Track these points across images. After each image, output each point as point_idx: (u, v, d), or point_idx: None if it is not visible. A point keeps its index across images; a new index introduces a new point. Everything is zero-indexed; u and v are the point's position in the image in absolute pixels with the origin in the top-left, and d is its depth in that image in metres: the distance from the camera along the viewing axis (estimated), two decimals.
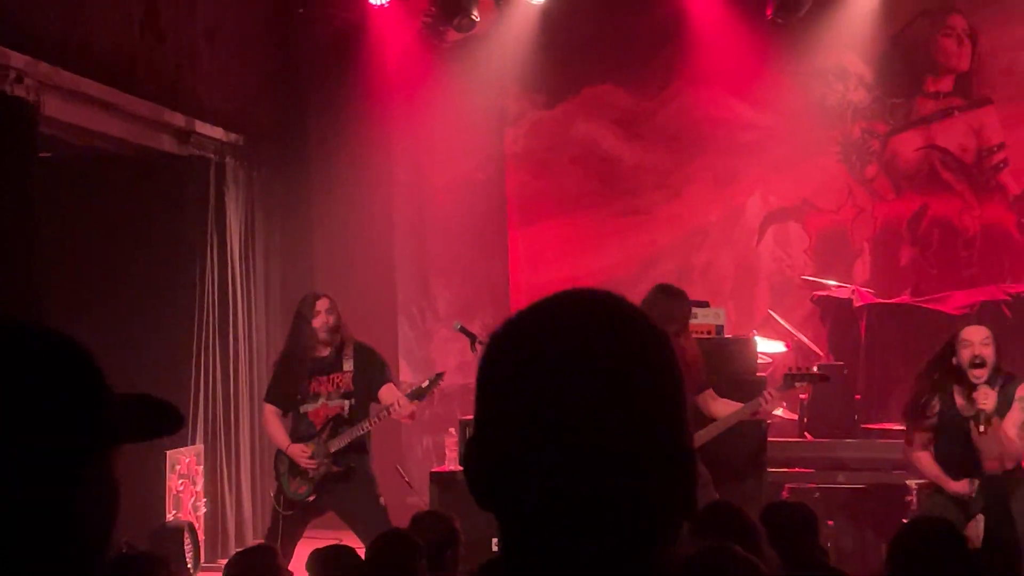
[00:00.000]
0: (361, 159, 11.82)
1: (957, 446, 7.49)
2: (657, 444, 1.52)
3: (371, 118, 11.86)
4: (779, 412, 10.41)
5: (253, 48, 11.38)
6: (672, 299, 7.87)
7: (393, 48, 11.91)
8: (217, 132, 10.62)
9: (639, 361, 1.54)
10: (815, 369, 9.43)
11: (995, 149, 12.21)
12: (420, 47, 11.95)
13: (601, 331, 1.54)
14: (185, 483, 9.68)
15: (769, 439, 9.34)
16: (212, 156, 10.57)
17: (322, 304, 8.02)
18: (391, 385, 8.10)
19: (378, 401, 8.00)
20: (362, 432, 7.95)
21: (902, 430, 9.44)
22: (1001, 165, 12.21)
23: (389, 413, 7.93)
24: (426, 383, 8.16)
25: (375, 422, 7.97)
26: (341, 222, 11.83)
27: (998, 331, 10.72)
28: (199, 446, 9.96)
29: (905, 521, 7.20)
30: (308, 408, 8.03)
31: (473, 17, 11.44)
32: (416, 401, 8.17)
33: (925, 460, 7.65)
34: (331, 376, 8.05)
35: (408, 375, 11.69)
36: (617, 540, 1.50)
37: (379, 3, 11.66)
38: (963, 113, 12.26)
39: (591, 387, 1.50)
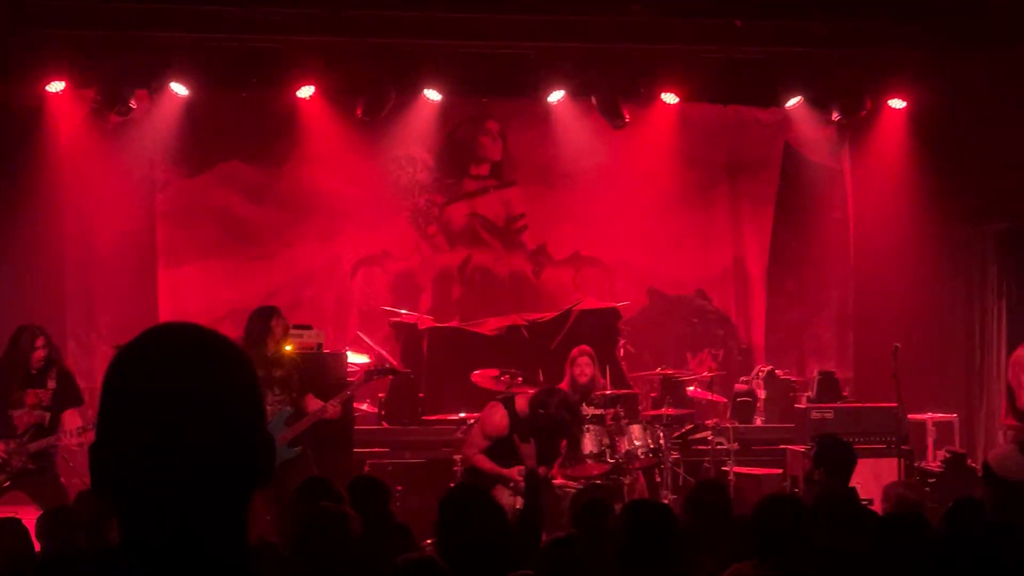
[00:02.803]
0: (38, 214, 11.24)
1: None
2: (244, 433, 1.53)
3: (48, 182, 11.25)
4: (364, 407, 10.65)
5: None
6: (260, 318, 7.97)
7: (66, 126, 11.35)
8: None
9: (225, 374, 1.53)
10: (385, 366, 9.68)
11: (518, 217, 12.68)
12: (88, 127, 11.42)
13: (195, 353, 1.53)
14: None
15: (356, 427, 9.59)
16: None
17: (39, 342, 7.91)
18: (77, 411, 7.99)
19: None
20: (55, 444, 7.89)
21: (453, 419, 9.62)
22: (522, 228, 12.70)
23: (71, 436, 7.85)
24: None
25: (66, 439, 7.83)
26: (21, 263, 11.17)
27: (518, 347, 11.25)
28: None
29: (452, 485, 7.48)
30: (14, 412, 7.86)
31: (131, 105, 11.08)
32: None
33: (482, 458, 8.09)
34: (36, 391, 7.91)
35: None
36: (215, 506, 1.51)
37: (55, 91, 11.07)
38: (496, 191, 12.66)
39: (189, 396, 1.49)
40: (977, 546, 3.93)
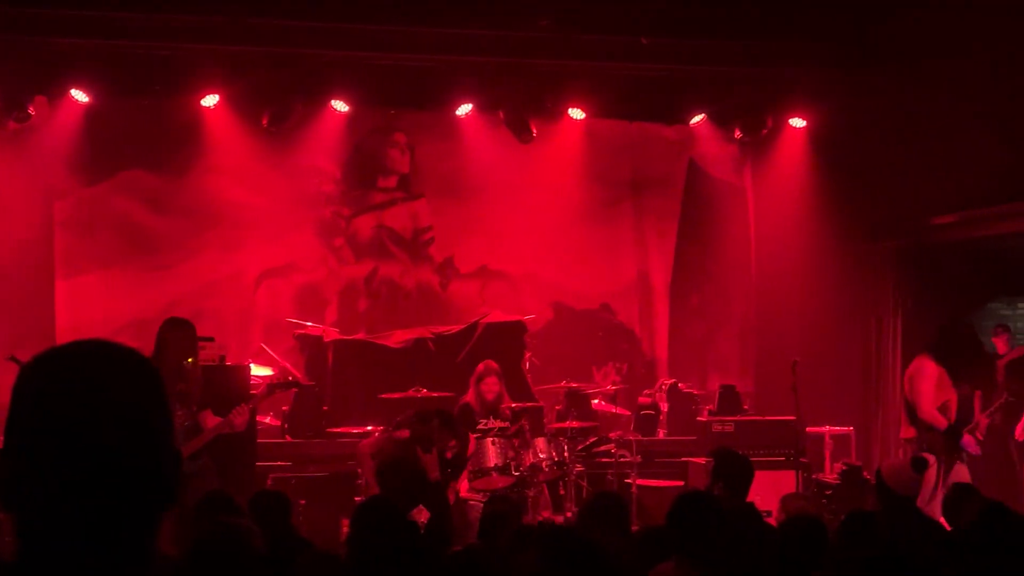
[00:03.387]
0: None
1: None
2: (152, 448, 1.53)
3: None
4: (267, 420, 10.57)
5: None
6: (177, 329, 7.62)
7: None
8: None
9: (134, 391, 1.53)
10: (289, 379, 9.61)
11: (425, 230, 12.70)
12: None
13: (104, 370, 1.53)
14: None
15: (259, 440, 9.47)
16: None
17: None
18: None
19: None
20: None
21: (358, 432, 9.64)
22: (429, 241, 12.72)
23: None
24: None
25: None
26: None
27: (424, 360, 11.23)
28: None
29: (357, 499, 7.49)
30: None
31: (29, 112, 10.91)
32: None
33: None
34: None
35: None
36: (121, 520, 1.50)
37: None
38: (404, 203, 12.65)
39: (97, 412, 1.49)
40: (873, 555, 4.01)
